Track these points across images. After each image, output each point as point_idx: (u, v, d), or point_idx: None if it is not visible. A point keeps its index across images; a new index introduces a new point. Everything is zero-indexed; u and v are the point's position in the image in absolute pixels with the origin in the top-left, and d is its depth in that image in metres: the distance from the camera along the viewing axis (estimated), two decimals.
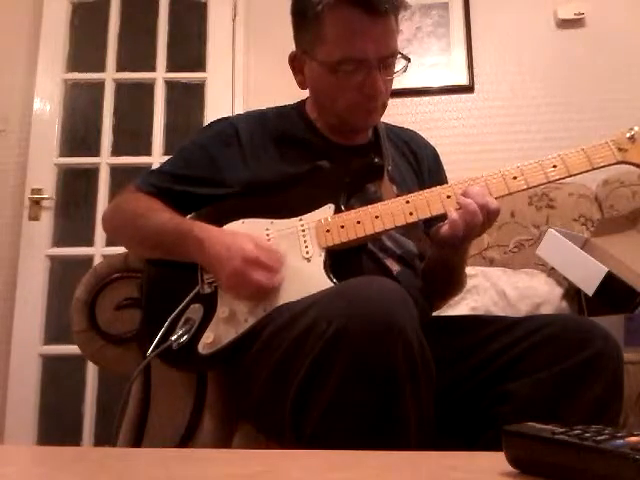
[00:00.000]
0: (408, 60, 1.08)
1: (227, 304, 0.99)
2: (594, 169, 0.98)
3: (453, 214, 0.96)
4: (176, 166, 1.15)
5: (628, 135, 0.98)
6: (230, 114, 2.01)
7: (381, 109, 1.10)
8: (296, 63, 1.12)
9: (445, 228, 0.98)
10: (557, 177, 0.98)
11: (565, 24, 2.38)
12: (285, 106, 1.22)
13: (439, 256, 1.08)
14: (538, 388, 0.87)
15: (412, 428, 0.76)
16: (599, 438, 0.42)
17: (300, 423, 0.80)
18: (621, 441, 0.42)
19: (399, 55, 1.06)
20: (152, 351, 0.96)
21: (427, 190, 1.01)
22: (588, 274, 1.55)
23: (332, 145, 1.14)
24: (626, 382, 0.88)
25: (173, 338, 0.96)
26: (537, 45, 2.39)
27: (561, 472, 0.43)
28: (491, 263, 1.92)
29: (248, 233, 1.00)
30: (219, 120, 1.20)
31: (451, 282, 1.16)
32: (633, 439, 0.42)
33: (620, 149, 0.98)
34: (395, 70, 1.08)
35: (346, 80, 1.04)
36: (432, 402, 0.80)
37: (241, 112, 1.40)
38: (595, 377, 0.85)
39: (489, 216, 0.96)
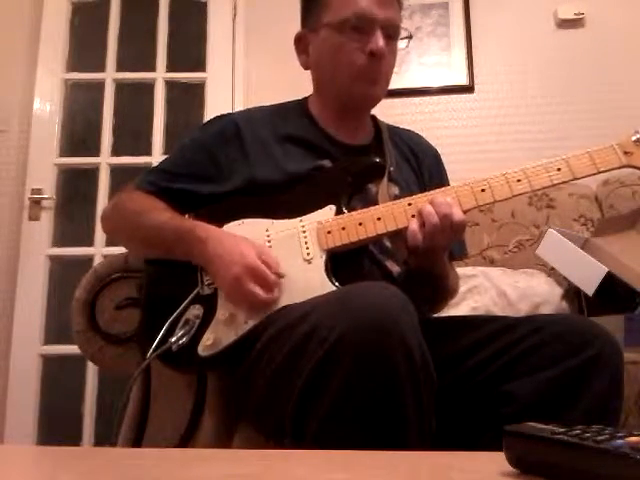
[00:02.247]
0: (410, 37, 1.13)
1: (227, 306, 0.98)
2: (599, 172, 0.97)
3: (412, 223, 0.96)
4: (176, 164, 1.14)
5: (634, 139, 0.98)
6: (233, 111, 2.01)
7: (384, 84, 1.12)
8: (301, 43, 1.15)
9: (407, 238, 0.97)
10: (561, 180, 0.97)
11: (565, 24, 2.38)
12: (287, 103, 1.22)
13: (413, 265, 1.05)
14: (538, 388, 0.86)
15: (413, 434, 0.76)
16: (599, 438, 0.42)
17: (301, 428, 0.80)
18: (621, 441, 0.42)
19: (401, 37, 1.11)
20: (152, 352, 0.96)
21: (429, 192, 1.00)
22: (588, 274, 1.55)
23: (334, 143, 1.14)
24: (626, 382, 0.88)
25: (173, 339, 0.96)
26: (537, 45, 2.39)
27: (561, 472, 0.43)
28: (491, 263, 1.92)
29: (250, 239, 1.00)
30: (220, 117, 1.19)
31: (433, 291, 1.13)
32: (633, 439, 0.42)
33: (626, 153, 0.97)
34: (398, 46, 1.12)
35: (351, 39, 1.07)
36: (433, 406, 0.80)
37: (240, 109, 1.39)
38: (595, 377, 0.84)
39: (452, 227, 0.94)
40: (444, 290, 1.15)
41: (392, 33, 1.10)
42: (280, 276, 0.97)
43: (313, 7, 1.13)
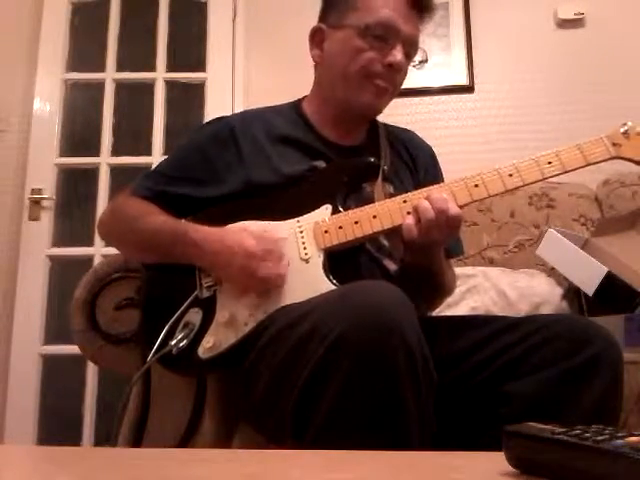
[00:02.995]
0: (425, 61, 1.13)
1: (227, 308, 0.98)
2: (589, 164, 0.98)
3: (408, 219, 0.96)
4: (172, 168, 1.14)
5: (622, 130, 0.98)
6: (228, 114, 2.02)
7: (389, 97, 1.12)
8: (317, 37, 1.14)
9: (403, 233, 0.97)
10: (552, 173, 0.98)
11: (565, 24, 2.38)
12: (281, 105, 1.22)
13: (408, 261, 1.06)
14: (538, 388, 0.86)
15: (413, 434, 0.76)
16: (599, 438, 0.42)
17: (302, 428, 0.80)
18: (621, 441, 0.42)
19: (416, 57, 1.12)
20: (152, 356, 0.96)
21: (424, 189, 1.00)
22: (588, 274, 1.55)
23: (329, 144, 1.14)
24: (626, 382, 0.88)
25: (173, 343, 0.96)
26: (537, 45, 2.39)
27: (561, 472, 0.43)
28: (491, 263, 1.92)
29: (243, 226, 1.00)
30: (215, 120, 1.19)
31: (429, 288, 1.12)
32: (633, 439, 0.42)
33: (614, 144, 0.98)
34: (412, 63, 1.13)
35: (372, 47, 1.07)
36: (432, 405, 0.80)
37: (235, 112, 1.39)
38: (595, 377, 0.84)
39: (448, 222, 0.94)
40: (440, 287, 1.15)
41: (410, 52, 1.10)
42: (281, 245, 0.98)
43: (338, 3, 1.12)
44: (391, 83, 1.09)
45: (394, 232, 1.00)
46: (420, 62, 1.13)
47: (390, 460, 0.55)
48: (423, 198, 0.96)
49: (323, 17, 1.15)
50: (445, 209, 0.93)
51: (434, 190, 0.98)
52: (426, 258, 1.03)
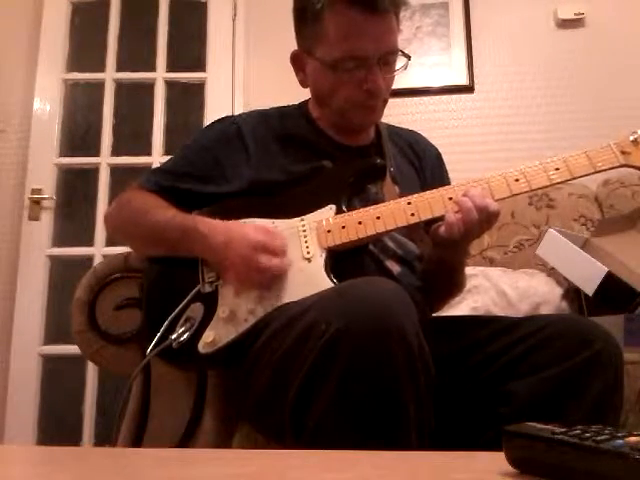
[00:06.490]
0: (408, 58, 1.08)
1: (228, 303, 0.99)
2: (597, 172, 0.98)
3: (451, 216, 0.96)
4: (179, 165, 1.14)
5: (631, 138, 0.98)
6: (230, 114, 2.02)
7: (382, 106, 1.11)
8: (297, 62, 1.13)
9: (442, 229, 0.98)
10: (559, 180, 0.98)
11: (565, 24, 2.38)
12: (288, 106, 1.22)
13: (437, 256, 1.08)
14: (539, 388, 0.87)
15: (412, 430, 0.76)
16: (599, 438, 0.42)
17: (300, 424, 0.80)
18: (621, 441, 0.42)
19: (400, 53, 1.07)
20: (152, 350, 0.96)
21: (429, 191, 1.01)
22: (588, 274, 1.54)
23: (335, 145, 1.14)
24: (626, 382, 0.88)
25: (173, 337, 0.96)
26: (537, 45, 2.39)
27: (561, 472, 0.43)
28: (491, 263, 1.92)
29: (248, 222, 1.01)
30: (222, 119, 1.20)
31: (450, 283, 1.16)
32: (633, 439, 0.42)
33: (623, 152, 0.97)
34: (396, 68, 1.09)
35: (346, 77, 1.04)
36: (432, 403, 0.80)
37: (241, 112, 1.39)
38: (595, 377, 0.85)
39: (488, 218, 0.95)
40: (459, 283, 1.17)
41: (390, 59, 1.06)
42: (284, 240, 0.98)
43: (305, 29, 1.08)
44: (378, 99, 1.08)
45: (413, 228, 1.01)
46: (405, 55, 1.08)
47: (390, 460, 0.55)
48: (462, 195, 0.96)
49: (297, 38, 1.12)
50: (485, 205, 0.95)
51: (467, 188, 0.98)
52: (458, 253, 1.05)
